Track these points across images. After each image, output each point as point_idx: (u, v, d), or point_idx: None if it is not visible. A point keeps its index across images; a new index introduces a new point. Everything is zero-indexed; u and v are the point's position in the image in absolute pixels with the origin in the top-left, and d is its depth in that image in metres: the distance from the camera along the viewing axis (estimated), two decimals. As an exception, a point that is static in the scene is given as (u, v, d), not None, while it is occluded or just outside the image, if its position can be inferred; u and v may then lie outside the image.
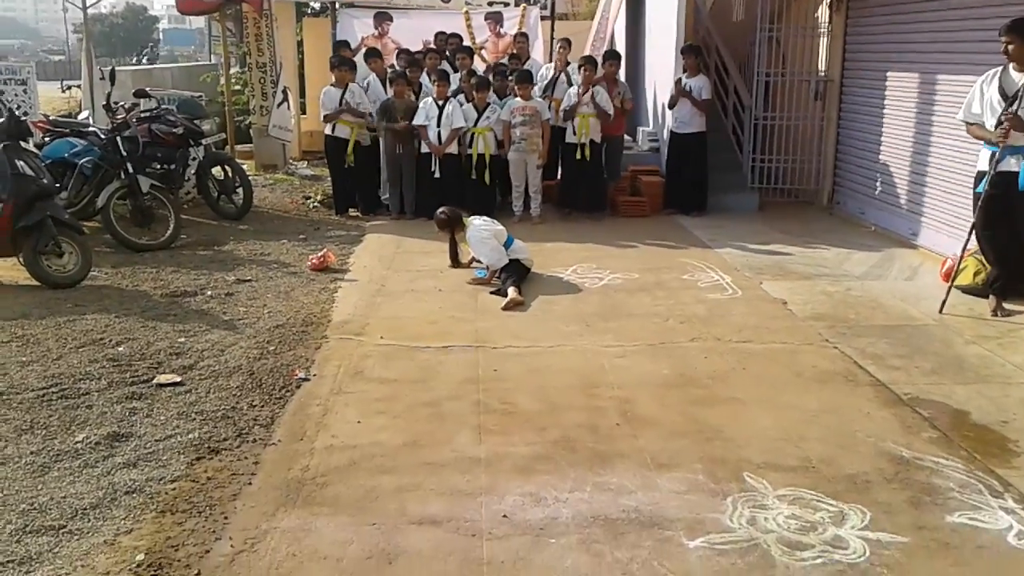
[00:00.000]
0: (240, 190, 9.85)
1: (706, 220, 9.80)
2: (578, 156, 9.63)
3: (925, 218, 8.39)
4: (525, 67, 10.48)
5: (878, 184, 9.30)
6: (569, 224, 9.65)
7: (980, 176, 6.56)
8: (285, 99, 12.22)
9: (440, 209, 7.57)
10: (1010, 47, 6.19)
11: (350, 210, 10.19)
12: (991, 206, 6.36)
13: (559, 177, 10.22)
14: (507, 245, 7.29)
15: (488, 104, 9.63)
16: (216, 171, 9.92)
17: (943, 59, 8.17)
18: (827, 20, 10.23)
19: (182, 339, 5.83)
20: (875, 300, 6.75)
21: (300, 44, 14.64)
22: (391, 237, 8.99)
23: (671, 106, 10.03)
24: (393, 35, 12.10)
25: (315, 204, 10.58)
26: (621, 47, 13.11)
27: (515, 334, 5.92)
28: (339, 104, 9.73)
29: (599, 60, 10.14)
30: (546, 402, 4.77)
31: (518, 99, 9.39)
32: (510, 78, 9.78)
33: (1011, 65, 6.27)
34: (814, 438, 4.33)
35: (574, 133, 9.64)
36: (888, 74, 9.10)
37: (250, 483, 3.90)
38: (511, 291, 6.70)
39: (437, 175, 9.60)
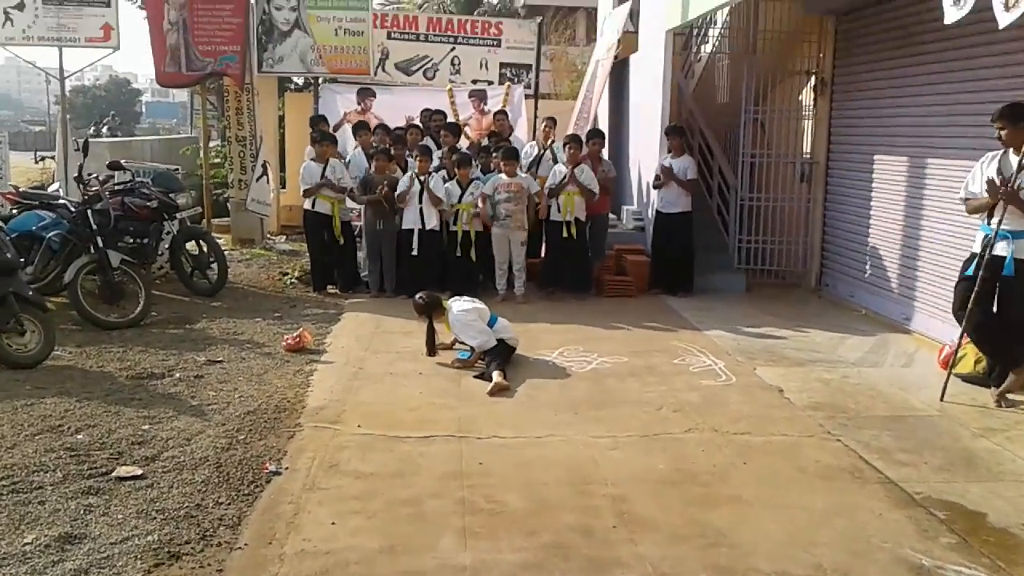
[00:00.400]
0: (215, 266, 9.56)
1: (693, 301, 9.60)
2: (564, 234, 9.45)
3: (918, 303, 8.22)
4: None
5: (867, 267, 9.16)
6: (553, 304, 9.41)
7: (972, 258, 6.44)
8: (264, 173, 12.03)
9: (418, 295, 7.29)
10: (1002, 132, 6.12)
11: (328, 287, 9.90)
12: (972, 288, 6.20)
13: (543, 255, 10.01)
14: (490, 324, 7.03)
15: (472, 180, 9.46)
16: (191, 246, 9.64)
17: (930, 143, 8.12)
18: (811, 104, 10.23)
19: (146, 426, 5.47)
20: (873, 388, 6.51)
21: (281, 119, 14.54)
22: (370, 316, 8.69)
23: (656, 186, 9.91)
24: (376, 111, 12.00)
25: (292, 281, 10.29)
26: (604, 126, 13.12)
27: (501, 423, 5.61)
28: (319, 179, 9.53)
29: (583, 139, 10.03)
30: (535, 500, 4.44)
31: (503, 175, 9.23)
32: (494, 154, 9.64)
33: (1010, 149, 6.21)
34: (825, 543, 4.02)
35: (559, 211, 9.48)
36: (875, 157, 9.04)
37: (212, 595, 3.53)
38: (496, 375, 6.40)
39: (415, 252, 9.37)
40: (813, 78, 10.13)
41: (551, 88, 19.01)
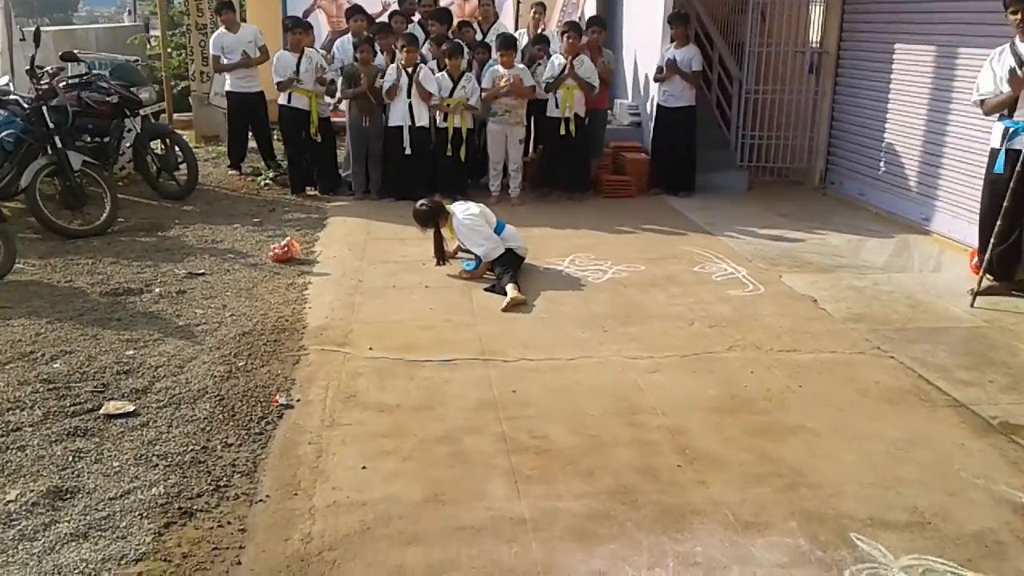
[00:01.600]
0: (183, 166, 8.80)
1: (696, 201, 9.08)
2: (561, 131, 8.79)
3: (939, 202, 7.79)
4: (494, 32, 9.66)
5: (881, 164, 8.68)
6: (551, 206, 8.84)
7: (994, 155, 6.06)
8: (228, 63, 11.09)
9: (420, 202, 6.62)
10: (1018, 18, 5.67)
11: (307, 189, 9.21)
12: (1004, 188, 5.88)
13: (538, 153, 9.39)
14: (498, 231, 6.47)
15: (463, 72, 8.72)
16: (156, 145, 8.84)
17: (953, 29, 7.57)
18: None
19: (131, 351, 4.89)
20: (909, 296, 6.11)
21: (242, 2, 13.44)
22: (358, 221, 8.06)
23: (658, 79, 9.25)
24: (350, -6, 11.02)
25: (267, 182, 9.55)
26: (591, 12, 12.26)
27: (525, 343, 5.12)
28: (295, 71, 8.71)
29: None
30: (584, 434, 3.99)
31: (499, 66, 8.51)
32: (483, 43, 8.91)
33: (1017, 37, 5.76)
34: (914, 481, 3.63)
35: (557, 106, 8.80)
36: (894, 46, 8.44)
37: (239, 561, 3.05)
38: (510, 288, 5.88)
39: (408, 151, 8.69)
40: (825, -39, 9.42)
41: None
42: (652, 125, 9.56)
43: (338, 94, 8.98)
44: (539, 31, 9.80)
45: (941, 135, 7.78)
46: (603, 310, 5.72)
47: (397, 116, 8.68)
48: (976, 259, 6.60)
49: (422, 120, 8.67)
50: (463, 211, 6.52)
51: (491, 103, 8.59)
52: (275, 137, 10.06)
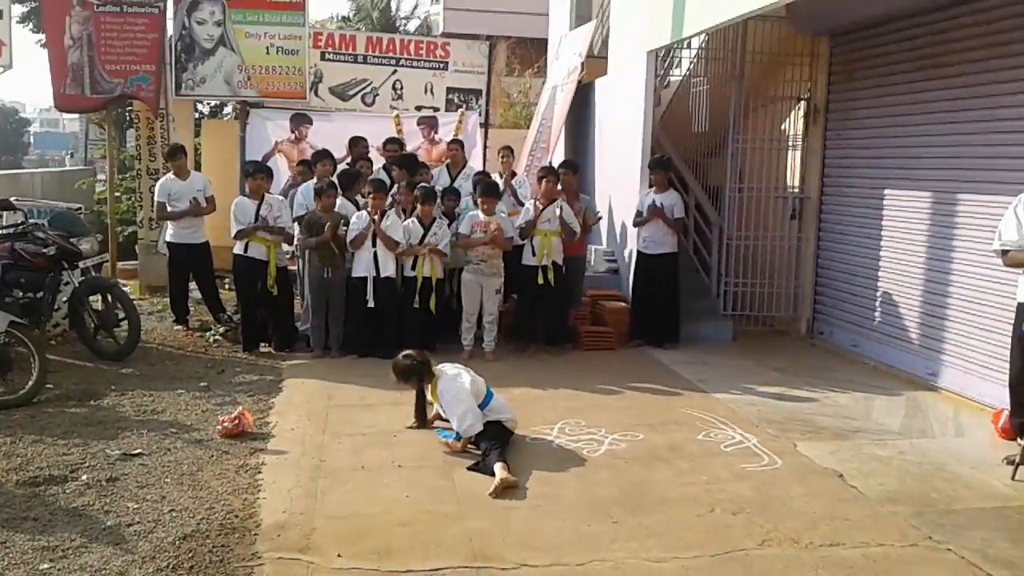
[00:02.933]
0: (124, 323, 8.00)
1: (681, 354, 8.49)
2: (539, 280, 8.23)
3: (947, 357, 7.28)
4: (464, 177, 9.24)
5: (876, 314, 8.22)
6: (529, 361, 8.17)
7: (1020, 309, 5.58)
8: (180, 210, 10.48)
9: (404, 354, 5.92)
10: None
11: (261, 345, 8.43)
12: None
13: (509, 303, 8.78)
14: (484, 404, 5.73)
15: (434, 219, 8.18)
16: (94, 299, 8.06)
17: (949, 175, 7.33)
18: (797, 132, 9.31)
19: (46, 564, 4.00)
20: (941, 468, 5.47)
21: (196, 146, 12.97)
22: (318, 384, 7.27)
23: (637, 224, 8.81)
24: (312, 139, 10.58)
25: (216, 338, 8.75)
26: (560, 156, 11.99)
27: (524, 541, 4.32)
28: (255, 218, 8.11)
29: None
30: None
31: (479, 212, 7.99)
32: (451, 188, 8.47)
33: None
34: None
35: (534, 254, 8.27)
36: (884, 191, 8.14)
37: None
38: (498, 469, 5.11)
39: (371, 304, 8.02)
40: (804, 104, 9.23)
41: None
42: (632, 273, 9.06)
43: (297, 243, 8.37)
44: (510, 176, 9.41)
45: (944, 284, 7.35)
46: (608, 493, 4.97)
47: (361, 266, 8.06)
48: (1004, 422, 6.05)
49: (388, 270, 8.06)
50: (450, 377, 5.80)
51: (466, 251, 8.03)
52: (226, 287, 9.39)
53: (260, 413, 6.39)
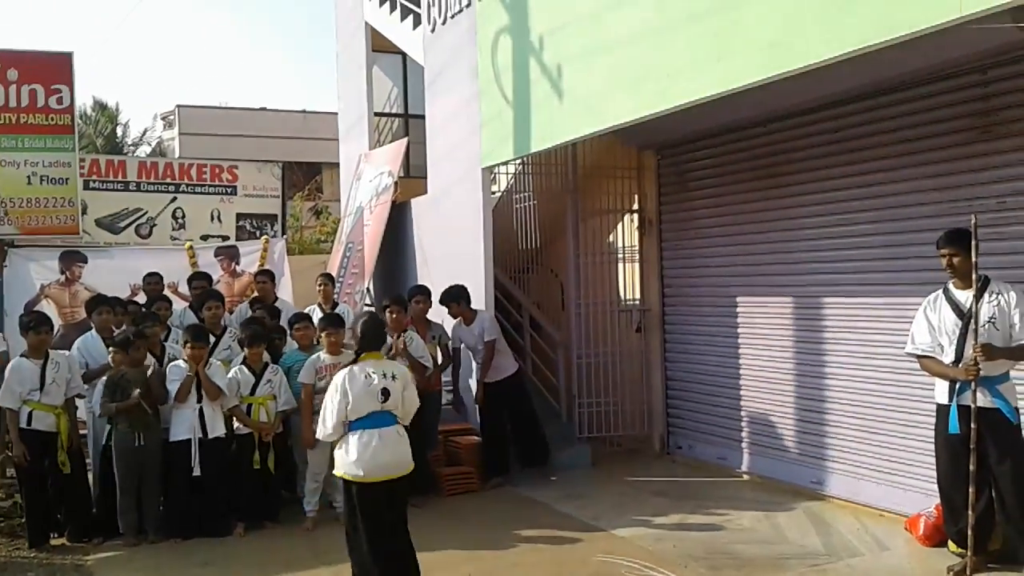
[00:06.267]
0: None
1: (551, 488, 7.80)
2: (392, 424, 7.25)
3: (831, 463, 7.10)
4: (275, 310, 8.14)
5: (743, 426, 8.00)
6: (395, 518, 7.10)
7: (943, 412, 5.46)
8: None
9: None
10: (955, 260, 5.31)
11: (51, 537, 6.75)
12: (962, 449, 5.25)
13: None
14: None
15: (266, 364, 7.03)
16: None
17: (798, 280, 7.35)
18: (633, 244, 9.13)
19: None
20: (900, 591, 5.12)
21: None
22: (147, 584, 5.81)
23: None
24: (88, 280, 9.02)
25: (-13, 533, 6.93)
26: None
27: None
28: (39, 384, 6.55)
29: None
30: None
31: (323, 354, 6.92)
32: (297, 325, 7.39)
33: (951, 283, 5.39)
34: None
35: (387, 396, 7.30)
36: (736, 298, 8.05)
37: None
38: None
39: (196, 472, 6.66)
40: (636, 217, 9.08)
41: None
42: (478, 408, 8.29)
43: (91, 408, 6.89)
44: (332, 306, 8.45)
45: (817, 389, 7.26)
46: None
47: (183, 428, 6.70)
48: (924, 528, 5.86)
49: (216, 430, 6.77)
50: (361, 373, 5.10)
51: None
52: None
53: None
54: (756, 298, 7.83)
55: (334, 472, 5.32)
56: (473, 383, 8.54)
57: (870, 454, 6.75)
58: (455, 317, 8.12)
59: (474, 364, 8.28)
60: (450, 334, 8.16)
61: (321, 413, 5.25)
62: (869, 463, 6.75)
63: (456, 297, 8.07)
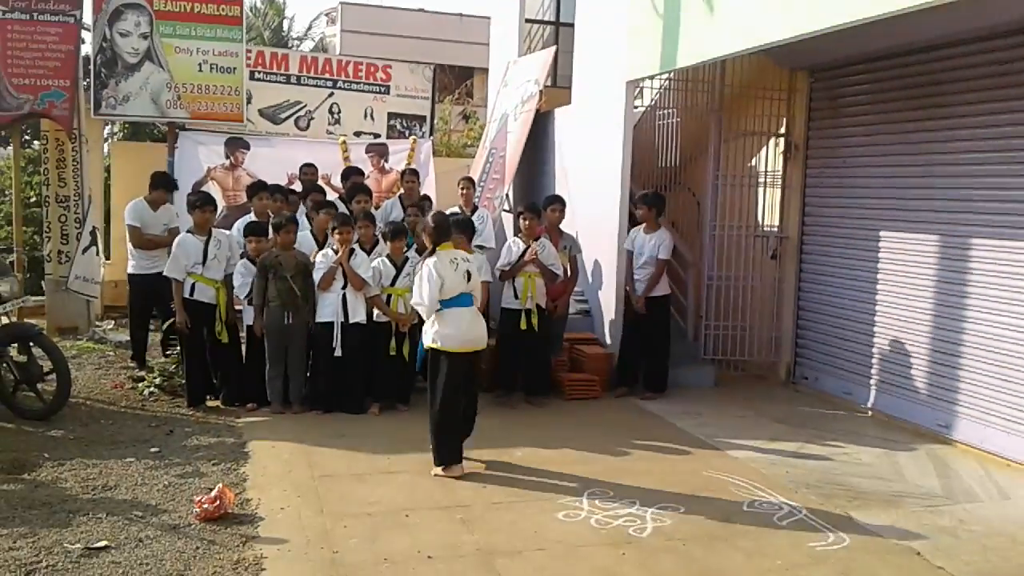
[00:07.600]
0: (50, 376, 6.86)
1: (670, 403, 7.94)
2: (522, 325, 7.55)
3: (960, 408, 6.95)
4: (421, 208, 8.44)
5: (873, 361, 7.87)
6: (516, 415, 7.45)
7: None
8: (93, 242, 9.33)
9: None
10: None
11: (207, 399, 7.42)
12: None
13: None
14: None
15: (407, 258, 7.39)
16: (15, 350, 6.90)
17: (951, 217, 7.10)
18: (776, 169, 8.95)
19: None
20: (1016, 540, 5.06)
21: (107, 173, 11.75)
22: (291, 447, 6.35)
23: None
24: (249, 166, 9.61)
25: (151, 389, 7.66)
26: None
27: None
28: (202, 258, 7.13)
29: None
30: None
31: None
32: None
33: None
34: None
35: (516, 296, 7.59)
36: (875, 231, 7.84)
37: None
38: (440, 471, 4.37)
39: (338, 352, 7.15)
40: (782, 141, 8.89)
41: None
42: (623, 317, 8.42)
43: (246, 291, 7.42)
44: (472, 208, 8.71)
45: (954, 331, 7.05)
46: (682, 586, 4.31)
47: (327, 311, 7.18)
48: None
49: (358, 315, 7.21)
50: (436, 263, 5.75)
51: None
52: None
53: (235, 487, 5.44)
54: (900, 232, 7.61)
55: (427, 345, 5.84)
56: (603, 296, 8.71)
57: (1002, 402, 6.57)
58: (642, 221, 8.22)
59: (608, 270, 8.37)
60: (619, 240, 8.30)
61: (416, 294, 5.83)
62: (999, 411, 6.59)
63: (653, 203, 8.18)
